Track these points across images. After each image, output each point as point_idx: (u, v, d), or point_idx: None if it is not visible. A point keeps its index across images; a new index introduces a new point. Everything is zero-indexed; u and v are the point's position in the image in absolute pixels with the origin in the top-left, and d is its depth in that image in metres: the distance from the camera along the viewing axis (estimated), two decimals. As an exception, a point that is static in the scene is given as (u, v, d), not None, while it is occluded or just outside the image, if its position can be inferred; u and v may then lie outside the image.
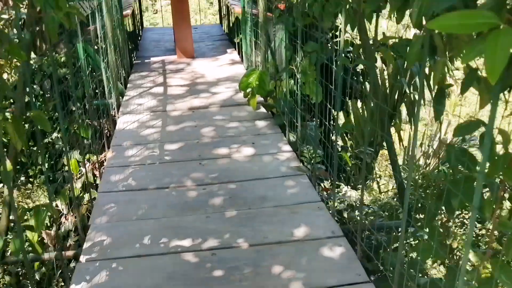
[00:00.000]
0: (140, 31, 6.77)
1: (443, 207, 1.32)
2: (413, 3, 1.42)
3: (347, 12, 1.93)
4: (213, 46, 5.79)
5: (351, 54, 3.30)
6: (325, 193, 2.68)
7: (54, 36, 1.75)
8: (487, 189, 1.18)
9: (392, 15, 1.58)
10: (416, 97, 1.55)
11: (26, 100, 2.67)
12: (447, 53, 1.32)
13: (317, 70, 2.51)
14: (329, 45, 2.80)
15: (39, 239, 2.04)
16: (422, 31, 1.43)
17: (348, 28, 2.02)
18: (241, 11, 4.65)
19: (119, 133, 3.35)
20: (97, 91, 3.60)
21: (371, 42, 1.91)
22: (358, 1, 1.77)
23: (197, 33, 6.45)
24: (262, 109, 3.65)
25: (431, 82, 1.43)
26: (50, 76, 4.14)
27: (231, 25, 6.30)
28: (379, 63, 3.88)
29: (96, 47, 3.66)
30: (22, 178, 4.07)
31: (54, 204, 2.52)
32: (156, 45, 5.90)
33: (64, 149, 3.19)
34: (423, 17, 1.40)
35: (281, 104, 3.29)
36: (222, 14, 6.92)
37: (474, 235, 2.95)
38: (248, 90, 3.43)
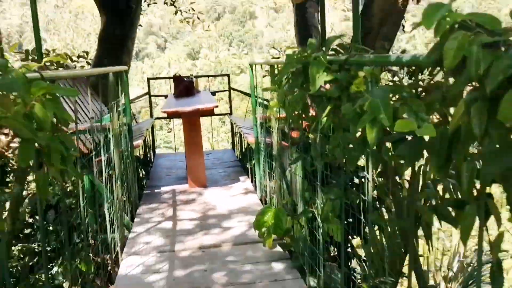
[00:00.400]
0: (152, 158, 6.73)
1: None
2: (460, 162, 1.21)
3: (375, 160, 1.72)
4: (225, 173, 5.65)
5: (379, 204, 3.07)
6: None
7: (45, 197, 1.55)
8: None
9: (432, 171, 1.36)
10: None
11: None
12: None
13: (341, 217, 2.26)
14: (354, 191, 2.58)
15: None
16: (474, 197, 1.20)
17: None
18: (254, 140, 4.57)
19: (121, 281, 3.03)
20: (102, 225, 3.41)
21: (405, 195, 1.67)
22: (388, 153, 1.56)
23: (209, 159, 6.38)
24: (279, 248, 3.34)
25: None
26: (54, 206, 3.98)
27: (243, 149, 6.24)
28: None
29: (102, 180, 3.52)
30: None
31: None
32: (168, 173, 5.78)
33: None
34: (476, 183, 1.18)
35: (300, 245, 3.00)
36: (235, 140, 6.92)
37: None
38: (264, 229, 3.16)
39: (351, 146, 1.96)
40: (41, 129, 1.46)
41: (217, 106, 4.77)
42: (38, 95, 1.49)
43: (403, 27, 6.36)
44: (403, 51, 5.57)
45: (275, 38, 73.41)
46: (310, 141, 2.63)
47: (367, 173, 1.84)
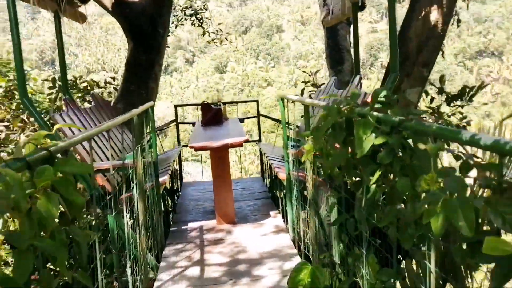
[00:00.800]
0: (179, 187, 6.53)
1: None
2: None
3: (439, 252, 1.44)
4: (254, 206, 5.39)
5: None
6: None
7: (50, 224, 1.32)
8: None
9: None
10: None
11: None
12: None
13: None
14: (411, 273, 2.28)
15: None
16: None
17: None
18: (286, 177, 4.31)
19: None
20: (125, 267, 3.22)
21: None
22: (460, 253, 1.28)
23: (237, 189, 6.14)
24: (315, 306, 3.05)
25: None
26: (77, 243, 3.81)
27: (273, 178, 5.99)
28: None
29: (125, 220, 3.33)
30: None
31: None
32: (195, 206, 5.56)
33: None
34: None
35: (340, 309, 2.71)
36: (264, 169, 6.67)
37: None
38: (299, 288, 2.88)
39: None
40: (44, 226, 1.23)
41: (247, 140, 4.54)
42: (42, 185, 1.28)
43: (442, 52, 6.01)
44: (442, 77, 5.24)
45: (302, 50, 73.23)
46: (353, 199, 2.36)
47: (429, 262, 1.55)
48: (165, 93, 60.69)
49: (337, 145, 2.31)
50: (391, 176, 1.84)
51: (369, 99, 4.34)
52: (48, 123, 5.25)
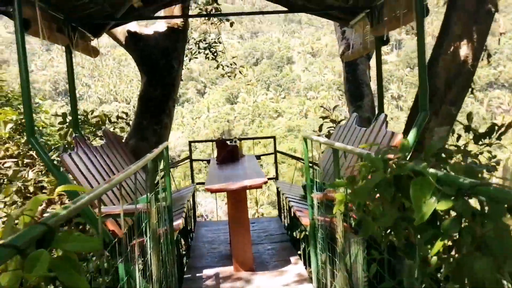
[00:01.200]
0: (193, 227, 6.23)
1: None
2: None
3: None
4: (273, 250, 5.06)
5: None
6: None
7: None
8: None
9: None
10: None
11: None
12: None
13: None
14: None
15: None
16: None
17: None
18: (309, 222, 4.00)
19: None
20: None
21: None
22: None
23: (254, 230, 5.82)
24: None
25: None
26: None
27: (291, 217, 5.68)
28: None
29: (136, 269, 3.04)
30: None
31: None
32: (210, 249, 5.24)
33: None
34: None
35: None
36: (281, 209, 6.36)
37: None
38: None
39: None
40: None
41: (266, 182, 4.26)
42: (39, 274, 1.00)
43: (472, 89, 5.73)
44: (469, 115, 4.95)
45: (312, 82, 73.61)
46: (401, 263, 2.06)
47: None
48: (176, 124, 60.96)
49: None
50: (456, 248, 1.54)
51: (397, 140, 4.05)
52: (57, 162, 5.03)
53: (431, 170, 1.61)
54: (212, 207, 16.88)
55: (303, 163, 4.27)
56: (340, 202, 2.54)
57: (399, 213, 1.72)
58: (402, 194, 1.75)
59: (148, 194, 3.14)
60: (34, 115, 7.11)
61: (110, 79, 74.25)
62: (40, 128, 6.98)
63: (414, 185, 1.57)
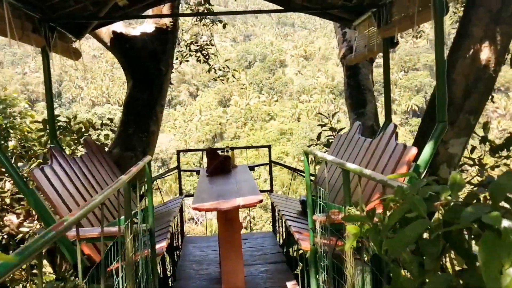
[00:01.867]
0: (180, 244, 5.76)
1: None
2: None
3: None
4: (267, 273, 4.61)
5: None
6: None
7: None
8: None
9: None
10: None
11: None
12: None
13: None
14: None
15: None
16: None
17: None
18: (310, 248, 3.57)
19: None
20: None
21: None
22: None
23: (246, 248, 5.37)
24: None
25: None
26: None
27: (287, 231, 5.25)
28: None
29: None
30: None
31: None
32: (198, 270, 4.78)
33: None
34: None
35: None
36: (276, 224, 5.93)
37: None
38: None
39: None
40: None
41: (261, 201, 3.81)
42: None
43: (492, 97, 5.32)
44: (486, 124, 4.55)
45: (305, 85, 73.22)
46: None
47: None
48: (168, 126, 60.38)
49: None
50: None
51: (410, 154, 3.60)
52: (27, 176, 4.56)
53: (506, 223, 1.16)
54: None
55: (303, 175, 3.83)
56: (354, 237, 2.11)
57: (451, 277, 1.28)
58: (455, 248, 1.32)
59: (122, 218, 2.70)
60: (17, 120, 6.65)
61: (103, 82, 73.52)
62: (25, 133, 6.52)
63: (484, 245, 1.13)
